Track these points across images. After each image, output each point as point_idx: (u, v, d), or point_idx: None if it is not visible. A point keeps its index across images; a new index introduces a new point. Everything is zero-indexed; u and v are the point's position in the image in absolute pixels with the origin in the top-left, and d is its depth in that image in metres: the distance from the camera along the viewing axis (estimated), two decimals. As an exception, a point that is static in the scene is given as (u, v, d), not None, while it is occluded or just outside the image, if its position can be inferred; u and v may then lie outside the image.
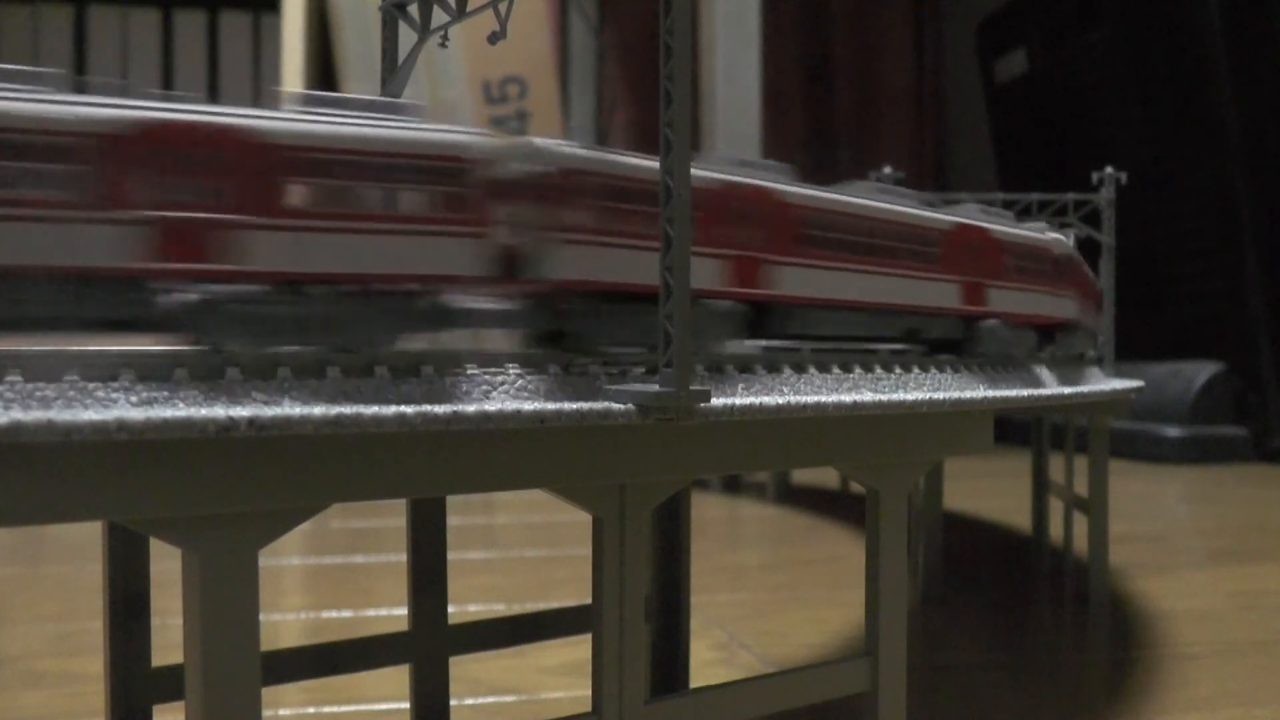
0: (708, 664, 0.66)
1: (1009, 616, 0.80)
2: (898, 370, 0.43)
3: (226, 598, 0.29)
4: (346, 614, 0.80)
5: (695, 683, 0.56)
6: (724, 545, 1.14)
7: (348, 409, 0.29)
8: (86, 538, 1.13)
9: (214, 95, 2.97)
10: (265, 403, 0.29)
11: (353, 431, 0.29)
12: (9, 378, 0.27)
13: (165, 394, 0.28)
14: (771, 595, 0.87)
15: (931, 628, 0.76)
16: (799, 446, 0.39)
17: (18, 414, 0.25)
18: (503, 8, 0.40)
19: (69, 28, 2.91)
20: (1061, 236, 0.60)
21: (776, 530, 1.24)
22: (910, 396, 0.40)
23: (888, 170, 0.90)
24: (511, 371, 0.33)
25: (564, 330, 0.37)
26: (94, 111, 0.30)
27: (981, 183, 2.95)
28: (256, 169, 0.31)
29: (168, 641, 0.60)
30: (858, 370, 0.41)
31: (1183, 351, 2.15)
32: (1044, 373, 0.54)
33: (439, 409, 0.30)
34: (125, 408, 0.27)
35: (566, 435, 0.33)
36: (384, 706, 0.58)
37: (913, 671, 0.63)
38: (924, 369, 0.44)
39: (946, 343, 0.51)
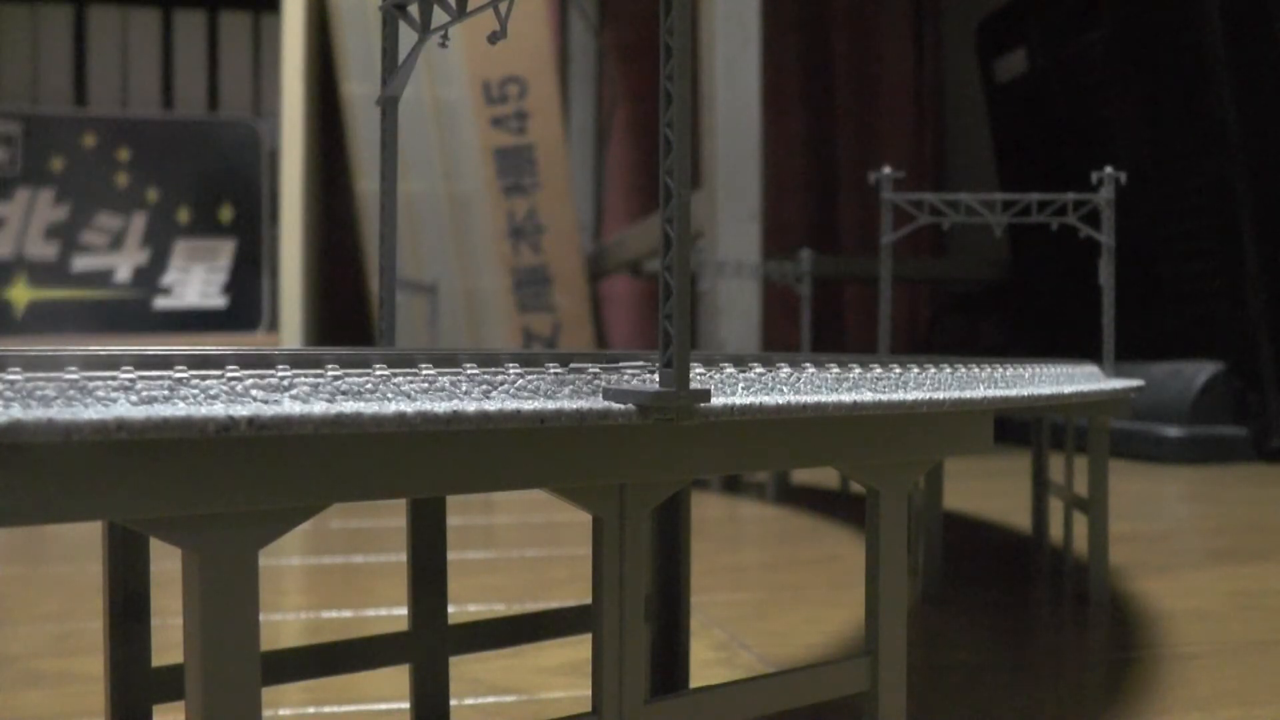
0: (708, 664, 0.66)
1: (1009, 616, 0.80)
2: (897, 370, 0.43)
3: (226, 598, 0.29)
4: (346, 614, 0.80)
5: (695, 683, 0.56)
6: (724, 545, 1.14)
7: (347, 408, 0.29)
8: (86, 538, 1.13)
9: (214, 95, 2.97)
10: (265, 402, 0.29)
11: (353, 431, 0.29)
12: (9, 376, 0.27)
13: (165, 393, 0.28)
14: (771, 595, 0.87)
15: (931, 628, 0.76)
16: (799, 446, 0.39)
17: (18, 413, 0.25)
18: (503, 8, 0.40)
19: (69, 28, 2.91)
20: None
21: (776, 530, 1.24)
22: (910, 396, 0.40)
23: (887, 170, 0.90)
24: (511, 371, 0.33)
25: None
26: None
27: (981, 183, 2.95)
28: None
29: (168, 641, 0.61)
30: (857, 370, 0.41)
31: (1183, 351, 2.15)
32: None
33: (439, 408, 0.30)
34: (125, 407, 0.27)
35: (566, 435, 0.33)
36: (384, 706, 0.58)
37: (913, 671, 0.63)
38: (923, 368, 0.44)
39: None
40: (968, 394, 0.43)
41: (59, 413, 0.26)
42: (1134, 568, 0.97)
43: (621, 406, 0.32)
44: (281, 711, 0.57)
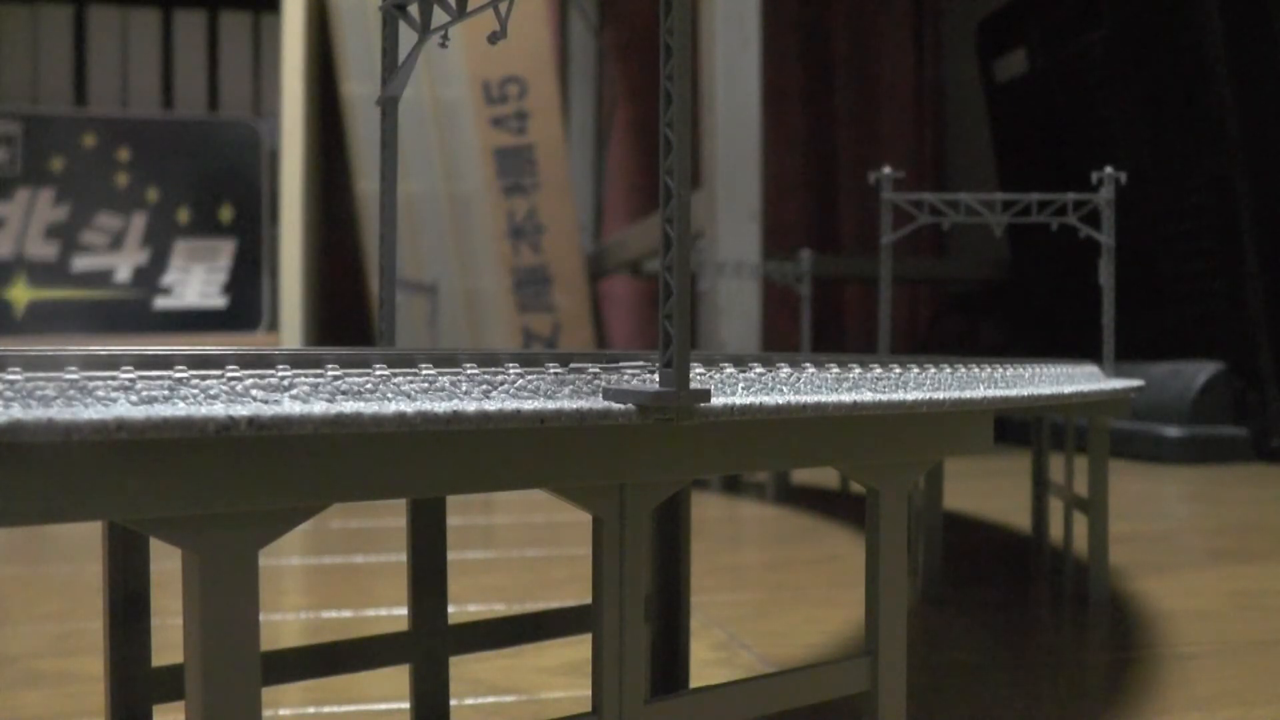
0: (708, 664, 0.66)
1: (1009, 616, 0.80)
2: (897, 370, 0.43)
3: (226, 598, 0.29)
4: (346, 614, 0.80)
5: (695, 683, 0.56)
6: (724, 545, 1.14)
7: (347, 408, 0.29)
8: (86, 538, 1.13)
9: (214, 95, 2.97)
10: (265, 402, 0.29)
11: (352, 431, 0.29)
12: (9, 376, 0.27)
13: (165, 393, 0.28)
14: (771, 595, 0.87)
15: (931, 628, 0.76)
16: (799, 446, 0.39)
17: (18, 413, 0.25)
18: (503, 8, 0.40)
19: (69, 28, 2.91)
20: None
21: (776, 530, 1.24)
22: (910, 396, 0.40)
23: (887, 170, 0.90)
24: (511, 371, 0.33)
25: None
26: None
27: (981, 183, 2.95)
28: None
29: (168, 641, 0.61)
30: (857, 370, 0.41)
31: (1183, 351, 2.15)
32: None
33: (439, 408, 0.30)
34: (125, 407, 0.27)
35: (566, 435, 0.33)
36: (384, 706, 0.58)
37: (913, 671, 0.63)
38: (923, 368, 0.44)
39: None
40: (968, 394, 0.43)
41: (59, 413, 0.26)
42: (1134, 568, 0.97)
43: (621, 406, 0.32)
44: (281, 711, 0.57)
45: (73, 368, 0.28)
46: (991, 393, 0.45)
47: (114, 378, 0.28)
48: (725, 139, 1.67)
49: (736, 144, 1.68)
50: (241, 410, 0.27)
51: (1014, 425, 2.27)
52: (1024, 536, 1.15)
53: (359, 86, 2.36)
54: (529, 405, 0.31)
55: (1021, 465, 1.74)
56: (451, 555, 0.49)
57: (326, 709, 0.57)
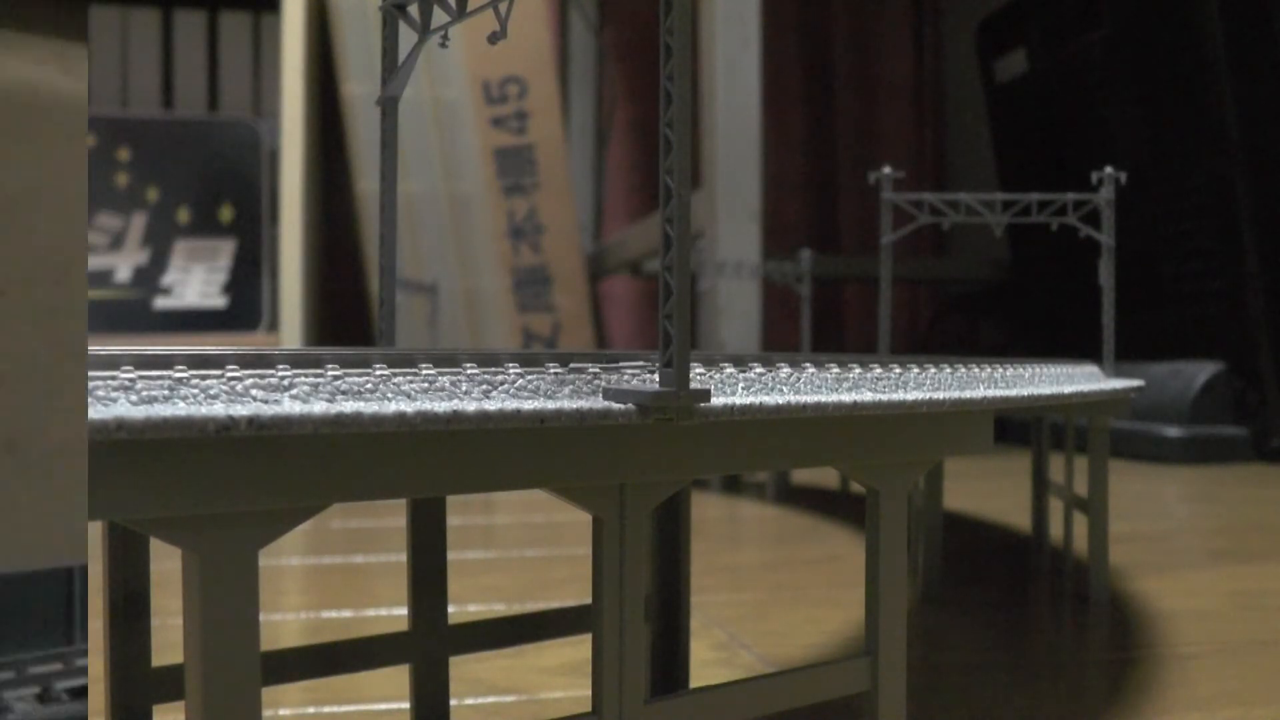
0: (708, 664, 0.66)
1: (1009, 616, 0.80)
2: (897, 370, 0.43)
3: (226, 598, 0.29)
4: (346, 614, 0.80)
5: (695, 683, 0.56)
6: (724, 545, 1.14)
7: (347, 408, 0.29)
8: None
9: (214, 95, 2.97)
10: (265, 402, 0.29)
11: (352, 430, 0.29)
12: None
13: (165, 393, 0.28)
14: (771, 595, 0.87)
15: (931, 628, 0.76)
16: (799, 446, 0.39)
17: (17, 414, 0.25)
18: (503, 8, 0.40)
19: (69, 28, 2.91)
20: None
21: (776, 530, 1.24)
22: (910, 396, 0.40)
23: (887, 170, 0.90)
24: (511, 371, 0.33)
25: None
26: None
27: (981, 183, 2.95)
28: None
29: (168, 641, 0.61)
30: (857, 370, 0.41)
31: (1183, 351, 2.15)
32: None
33: (439, 408, 0.30)
34: (125, 407, 0.27)
35: (566, 435, 0.33)
36: (384, 706, 0.58)
37: (913, 671, 0.63)
38: (923, 368, 0.44)
39: None
40: (968, 394, 0.43)
41: (59, 413, 0.26)
42: (1134, 568, 0.97)
43: (621, 406, 0.32)
44: (281, 711, 0.57)
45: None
46: (991, 393, 0.45)
47: (114, 378, 0.28)
48: (725, 139, 1.67)
49: (736, 144, 1.68)
50: (241, 410, 0.27)
51: (1014, 425, 2.27)
52: (1024, 536, 1.15)
53: (359, 86, 2.36)
54: (529, 405, 0.31)
55: (1021, 465, 1.74)
56: (451, 555, 0.49)
57: (326, 709, 0.57)
